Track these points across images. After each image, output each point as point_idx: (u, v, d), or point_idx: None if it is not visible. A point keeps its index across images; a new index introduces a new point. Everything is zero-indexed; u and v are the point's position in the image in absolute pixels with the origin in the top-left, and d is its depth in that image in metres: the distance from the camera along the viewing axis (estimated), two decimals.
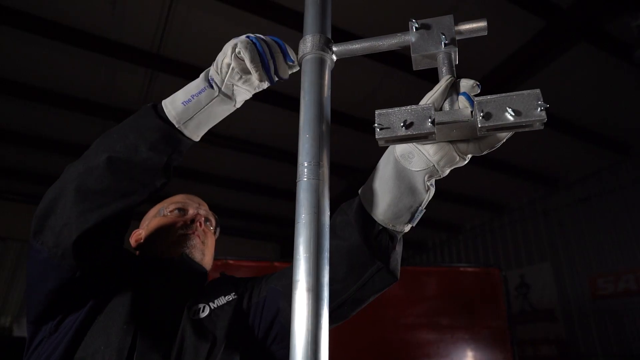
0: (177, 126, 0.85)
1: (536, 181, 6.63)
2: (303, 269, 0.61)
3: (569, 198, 6.59)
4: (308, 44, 0.78)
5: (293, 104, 4.42)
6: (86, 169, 0.82)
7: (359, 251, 0.82)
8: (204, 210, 1.26)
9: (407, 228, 0.84)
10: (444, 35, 0.73)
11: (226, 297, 1.09)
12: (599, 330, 6.00)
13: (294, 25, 3.59)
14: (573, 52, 3.94)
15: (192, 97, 0.85)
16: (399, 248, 0.87)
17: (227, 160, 6.03)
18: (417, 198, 0.78)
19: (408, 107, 0.65)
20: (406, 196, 0.78)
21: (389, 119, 0.64)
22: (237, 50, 0.83)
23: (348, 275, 0.85)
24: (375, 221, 0.82)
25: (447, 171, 0.76)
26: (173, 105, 0.86)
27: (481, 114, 0.61)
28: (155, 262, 1.13)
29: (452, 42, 0.73)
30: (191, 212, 1.23)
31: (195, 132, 0.88)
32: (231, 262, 4.15)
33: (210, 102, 0.86)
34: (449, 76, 0.70)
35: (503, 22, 3.67)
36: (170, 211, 1.22)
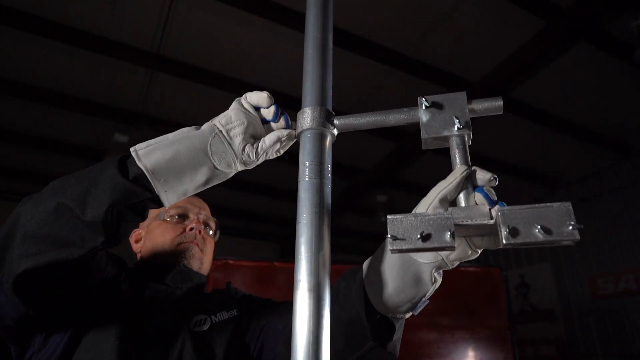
0: (137, 162, 0.73)
1: (536, 181, 6.63)
2: (304, 268, 0.61)
3: (569, 198, 6.58)
4: (307, 117, 0.71)
5: (293, 104, 4.41)
6: (35, 210, 0.74)
7: (358, 327, 0.79)
8: (204, 214, 1.25)
9: (408, 315, 0.81)
10: (457, 119, 0.67)
11: (228, 312, 1.09)
12: (599, 330, 6.00)
13: (294, 25, 3.59)
14: (573, 52, 3.94)
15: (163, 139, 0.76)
16: (399, 332, 0.84)
17: None
18: (422, 289, 0.74)
19: (425, 215, 0.59)
20: (410, 287, 0.73)
21: (403, 227, 0.58)
22: (242, 100, 0.80)
23: (345, 347, 0.83)
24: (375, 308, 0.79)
25: (457, 263, 0.72)
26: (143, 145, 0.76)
27: (507, 230, 0.55)
28: (153, 271, 1.13)
29: (466, 126, 0.68)
30: (191, 217, 1.22)
31: (149, 161, 0.73)
32: (231, 262, 4.15)
33: (183, 136, 0.76)
34: (465, 168, 0.65)
35: (503, 22, 3.67)
36: (171, 216, 1.21)
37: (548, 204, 0.55)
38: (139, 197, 0.74)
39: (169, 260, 1.14)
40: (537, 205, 0.55)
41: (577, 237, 0.53)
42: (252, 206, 7.71)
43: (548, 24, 3.61)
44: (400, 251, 0.58)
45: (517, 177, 6.34)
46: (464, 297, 4.49)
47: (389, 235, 0.58)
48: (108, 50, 3.93)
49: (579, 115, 4.99)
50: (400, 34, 3.78)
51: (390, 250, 0.58)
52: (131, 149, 0.75)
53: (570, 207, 0.54)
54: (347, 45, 3.81)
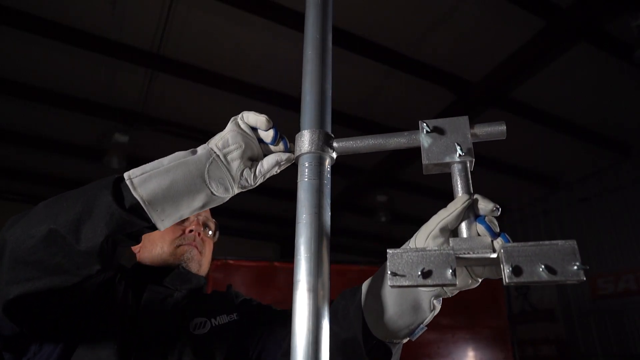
0: (132, 192, 0.70)
1: (536, 181, 6.63)
2: (304, 268, 0.61)
3: (569, 198, 6.59)
4: (306, 141, 0.69)
5: (293, 104, 4.42)
6: (24, 235, 0.70)
7: (356, 347, 0.78)
8: (204, 215, 1.25)
9: (405, 340, 0.80)
10: (459, 145, 0.66)
11: (229, 316, 1.08)
12: (599, 330, 6.00)
13: (294, 25, 3.59)
14: (573, 52, 3.94)
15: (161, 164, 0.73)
16: (395, 356, 0.82)
17: None
18: (420, 316, 0.73)
19: (426, 251, 0.58)
20: (408, 314, 0.72)
21: (404, 263, 0.57)
22: (239, 119, 0.78)
23: None
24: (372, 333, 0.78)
25: (456, 292, 0.71)
26: (138, 171, 0.73)
27: (510, 268, 0.54)
28: (151, 273, 1.12)
29: (468, 152, 0.66)
30: (191, 218, 1.21)
31: (145, 191, 0.70)
32: (231, 262, 4.15)
33: (181, 160, 0.73)
34: (467, 197, 0.64)
35: (503, 22, 3.67)
36: None
37: (553, 241, 0.54)
38: (136, 227, 0.72)
39: (168, 262, 1.13)
40: (541, 242, 0.55)
41: (582, 277, 0.52)
42: (252, 206, 7.70)
43: (548, 24, 3.61)
44: (401, 286, 0.58)
45: (517, 177, 6.34)
46: (464, 297, 4.49)
47: (388, 272, 0.57)
48: (108, 50, 3.93)
49: (579, 115, 4.99)
50: (400, 34, 3.78)
51: (391, 285, 0.57)
52: (125, 176, 0.71)
53: (576, 246, 0.54)
54: (347, 45, 3.80)
